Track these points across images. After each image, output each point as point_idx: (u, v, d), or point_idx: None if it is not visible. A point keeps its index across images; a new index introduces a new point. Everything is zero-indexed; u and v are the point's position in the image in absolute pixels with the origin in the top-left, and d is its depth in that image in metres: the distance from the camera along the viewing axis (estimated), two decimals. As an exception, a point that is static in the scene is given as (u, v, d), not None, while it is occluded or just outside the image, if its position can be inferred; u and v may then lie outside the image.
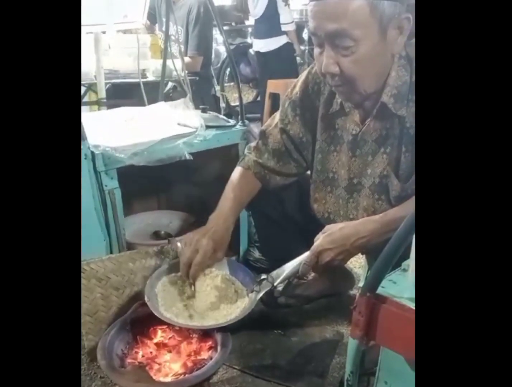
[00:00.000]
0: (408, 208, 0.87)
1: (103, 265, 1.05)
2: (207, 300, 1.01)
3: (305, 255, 0.97)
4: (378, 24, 0.85)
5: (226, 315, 0.99)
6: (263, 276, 1.01)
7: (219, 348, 0.95)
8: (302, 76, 1.13)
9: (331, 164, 1.10)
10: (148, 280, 1.05)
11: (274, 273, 1.00)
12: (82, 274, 1.01)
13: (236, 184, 1.13)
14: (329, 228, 0.96)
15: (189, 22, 2.36)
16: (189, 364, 0.95)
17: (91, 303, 1.03)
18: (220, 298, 1.02)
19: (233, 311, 1.00)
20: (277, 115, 1.17)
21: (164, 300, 1.01)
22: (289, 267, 0.98)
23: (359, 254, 1.51)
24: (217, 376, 1.04)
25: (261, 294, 0.99)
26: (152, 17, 2.53)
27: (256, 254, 1.55)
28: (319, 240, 0.94)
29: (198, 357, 0.97)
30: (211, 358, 0.94)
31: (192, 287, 1.04)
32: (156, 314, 0.95)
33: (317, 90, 1.09)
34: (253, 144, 1.20)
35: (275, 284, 0.99)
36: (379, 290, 0.58)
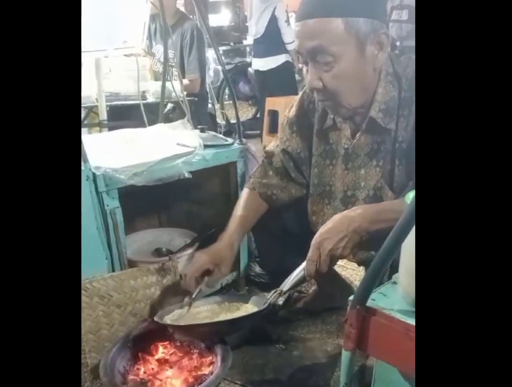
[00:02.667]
0: (400, 204, 0.87)
1: (105, 283, 1.07)
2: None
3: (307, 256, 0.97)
4: (355, 40, 0.90)
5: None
6: (273, 292, 1.00)
7: (219, 363, 0.96)
8: (299, 95, 1.19)
9: (327, 177, 1.14)
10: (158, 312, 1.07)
11: (281, 285, 1.00)
12: (84, 292, 1.03)
13: (242, 204, 1.18)
14: (324, 224, 0.97)
15: (183, 46, 2.42)
16: (190, 379, 0.96)
17: (94, 320, 1.04)
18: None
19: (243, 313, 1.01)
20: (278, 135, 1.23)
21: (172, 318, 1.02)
22: (294, 274, 0.98)
23: (359, 267, 1.54)
24: (219, 392, 1.05)
25: (270, 300, 0.98)
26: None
27: (257, 269, 1.56)
28: (317, 234, 0.94)
29: (199, 373, 0.98)
30: (211, 373, 0.95)
31: (186, 308, 1.06)
32: (161, 322, 0.97)
33: (312, 108, 1.15)
34: (258, 166, 1.25)
35: (284, 289, 0.98)
36: (370, 303, 0.60)
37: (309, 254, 0.94)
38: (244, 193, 1.21)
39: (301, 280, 0.99)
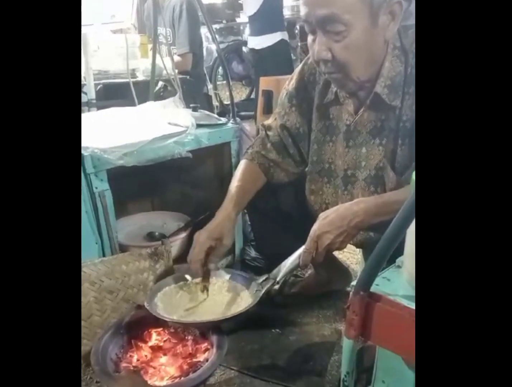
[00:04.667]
0: (404, 193, 0.86)
1: (96, 268, 1.04)
2: (216, 307, 1.01)
3: (303, 248, 0.95)
4: (368, 9, 0.85)
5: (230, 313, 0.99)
6: (265, 277, 1.00)
7: (214, 349, 0.93)
8: (298, 67, 1.13)
9: (326, 154, 1.10)
10: (148, 292, 1.04)
11: (274, 271, 0.99)
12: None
13: (239, 176, 1.13)
14: (325, 213, 0.95)
15: (174, 21, 2.34)
16: (185, 366, 0.94)
17: (85, 307, 1.01)
18: (227, 304, 1.02)
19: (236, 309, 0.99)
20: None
21: (164, 308, 0.98)
22: (289, 261, 0.97)
23: (356, 249, 1.52)
24: (215, 378, 1.03)
25: (263, 291, 0.97)
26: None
27: (252, 253, 1.54)
28: (316, 224, 0.92)
29: (194, 360, 0.95)
30: (207, 360, 0.93)
31: (204, 291, 1.04)
32: (159, 316, 0.94)
33: (312, 80, 1.09)
34: (258, 136, 1.21)
35: (277, 279, 0.97)
36: (373, 288, 0.57)
37: (306, 245, 0.92)
38: (242, 164, 1.16)
39: (295, 269, 0.97)
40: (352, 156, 1.05)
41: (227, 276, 1.08)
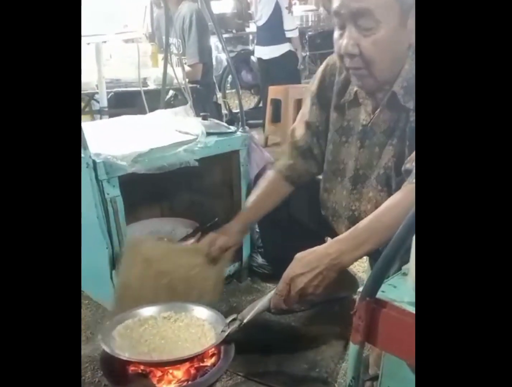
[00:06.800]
0: (377, 219, 0.88)
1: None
2: (177, 344, 0.96)
3: (275, 289, 0.92)
4: (399, 9, 0.87)
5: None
6: (233, 317, 0.95)
7: (221, 355, 0.94)
8: (321, 66, 1.15)
9: (342, 155, 1.11)
10: (106, 323, 1.00)
11: (244, 311, 0.96)
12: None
13: (262, 186, 1.18)
14: (300, 254, 0.91)
15: (184, 32, 2.38)
16: (192, 371, 0.95)
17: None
18: (189, 342, 0.97)
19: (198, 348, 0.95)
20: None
21: (123, 344, 0.94)
22: (260, 302, 0.94)
23: (363, 257, 1.52)
24: (221, 383, 1.04)
25: (227, 332, 0.93)
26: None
27: (260, 259, 1.54)
28: (290, 266, 0.89)
29: (201, 364, 0.96)
30: (214, 365, 0.94)
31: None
32: (112, 354, 0.88)
33: (332, 81, 1.11)
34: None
35: (245, 320, 0.93)
36: (379, 295, 0.57)
37: (278, 287, 0.88)
38: (267, 175, 1.20)
39: (264, 310, 0.94)
40: (366, 155, 1.06)
41: (200, 314, 1.03)
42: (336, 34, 0.95)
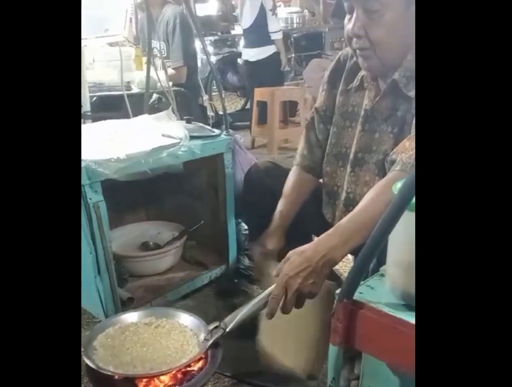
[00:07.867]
0: (361, 215, 0.88)
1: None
2: (160, 352, 0.95)
3: (262, 295, 0.90)
4: None
5: (174, 362, 0.92)
6: (215, 324, 0.94)
7: (209, 359, 0.95)
8: (336, 56, 1.19)
9: (345, 139, 1.13)
10: (87, 333, 0.98)
11: (227, 318, 0.93)
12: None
13: (289, 183, 1.19)
14: (291, 255, 0.90)
15: (168, 35, 2.37)
16: (179, 375, 0.95)
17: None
18: (172, 349, 0.96)
19: (182, 358, 0.93)
20: None
21: (105, 355, 0.92)
22: (244, 309, 0.91)
23: (350, 257, 1.53)
24: (209, 386, 1.04)
25: (211, 342, 0.92)
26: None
27: (246, 262, 1.55)
28: (283, 269, 0.87)
29: (188, 369, 0.96)
30: (201, 369, 0.94)
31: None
32: (97, 369, 0.86)
33: (342, 68, 1.15)
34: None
35: (227, 329, 0.91)
36: (357, 296, 0.58)
37: (274, 291, 0.86)
38: (292, 171, 1.22)
39: (250, 317, 0.92)
40: (366, 139, 1.08)
41: (182, 320, 1.02)
42: (346, 19, 0.99)
